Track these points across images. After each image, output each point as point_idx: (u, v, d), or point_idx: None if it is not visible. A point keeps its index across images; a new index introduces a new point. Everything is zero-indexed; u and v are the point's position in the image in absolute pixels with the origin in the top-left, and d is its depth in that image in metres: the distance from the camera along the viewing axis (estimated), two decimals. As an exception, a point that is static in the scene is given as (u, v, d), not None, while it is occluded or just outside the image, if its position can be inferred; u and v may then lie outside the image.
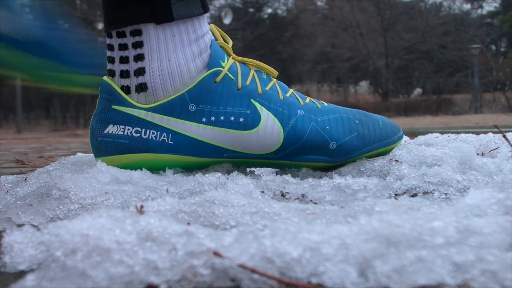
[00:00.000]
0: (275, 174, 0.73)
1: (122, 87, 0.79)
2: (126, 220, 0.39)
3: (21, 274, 0.38)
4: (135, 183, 0.67)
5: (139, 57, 0.78)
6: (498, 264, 0.33)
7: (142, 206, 0.47)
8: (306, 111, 0.80)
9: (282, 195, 0.63)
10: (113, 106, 0.78)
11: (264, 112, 0.78)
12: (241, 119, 0.77)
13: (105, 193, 0.63)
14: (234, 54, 0.83)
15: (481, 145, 0.92)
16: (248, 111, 0.78)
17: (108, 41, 0.81)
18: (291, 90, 0.83)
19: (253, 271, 0.34)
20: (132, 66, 0.78)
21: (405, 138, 0.98)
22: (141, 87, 0.78)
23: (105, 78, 0.80)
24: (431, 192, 0.61)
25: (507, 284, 0.32)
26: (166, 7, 0.77)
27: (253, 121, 0.77)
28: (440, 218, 0.38)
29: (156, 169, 0.77)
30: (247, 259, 0.35)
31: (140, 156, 0.77)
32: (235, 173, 0.74)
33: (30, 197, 0.65)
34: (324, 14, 25.17)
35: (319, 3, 25.53)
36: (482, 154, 0.85)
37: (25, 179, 0.75)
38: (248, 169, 0.79)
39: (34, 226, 0.54)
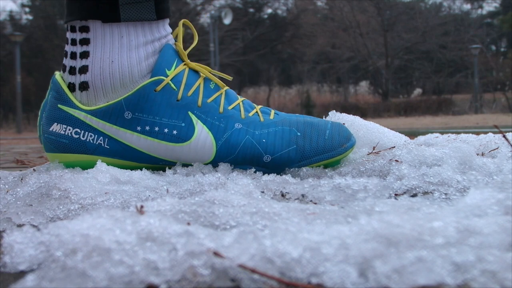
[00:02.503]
0: (275, 174, 0.73)
1: (69, 84, 0.80)
2: (126, 220, 0.39)
3: (21, 274, 0.38)
4: (135, 183, 0.67)
5: (85, 55, 0.79)
6: (498, 264, 0.33)
7: (142, 206, 0.47)
8: (245, 124, 0.80)
9: (282, 195, 0.63)
10: (58, 105, 0.80)
11: (199, 126, 0.78)
12: (175, 132, 0.78)
13: (105, 193, 0.63)
14: (188, 60, 0.82)
15: (481, 145, 0.92)
16: (183, 124, 0.78)
17: (66, 34, 0.82)
18: (238, 101, 0.82)
19: (253, 271, 0.34)
20: (78, 63, 0.80)
21: (405, 138, 0.98)
22: (83, 86, 0.79)
23: (56, 74, 0.82)
24: (431, 192, 0.61)
25: (507, 284, 0.32)
26: (112, 7, 0.77)
27: (186, 134, 0.78)
28: (440, 218, 0.38)
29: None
30: (247, 259, 0.35)
31: (78, 157, 0.80)
32: (235, 173, 0.74)
33: (30, 197, 0.65)
34: (324, 14, 25.17)
35: (319, 3, 25.54)
36: (482, 154, 0.85)
37: (21, 179, 0.75)
38: (248, 169, 0.79)
39: (34, 226, 0.54)
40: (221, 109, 0.80)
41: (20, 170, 0.93)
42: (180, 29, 0.84)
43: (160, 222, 0.39)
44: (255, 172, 0.77)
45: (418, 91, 25.75)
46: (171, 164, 0.80)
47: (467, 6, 25.43)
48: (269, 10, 25.40)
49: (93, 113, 0.78)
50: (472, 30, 22.29)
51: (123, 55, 0.78)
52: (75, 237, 0.37)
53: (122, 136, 0.78)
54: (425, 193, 0.61)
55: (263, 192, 0.63)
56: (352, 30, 22.64)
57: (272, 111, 0.85)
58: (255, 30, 22.56)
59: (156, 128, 0.78)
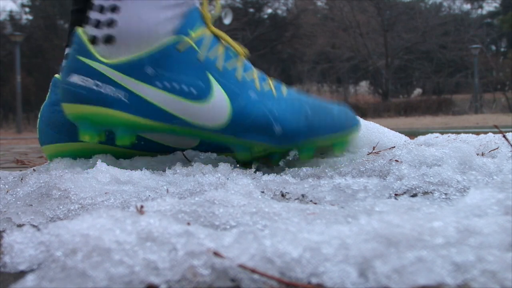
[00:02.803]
0: (275, 174, 0.73)
1: (92, 38, 0.81)
2: (126, 220, 0.39)
3: (21, 274, 0.38)
4: (135, 183, 0.67)
5: (114, 9, 0.80)
6: (498, 264, 0.33)
7: (142, 206, 0.47)
8: (259, 95, 0.82)
9: (282, 195, 0.63)
10: (78, 57, 0.80)
11: (217, 88, 0.80)
12: (193, 90, 0.79)
13: (105, 193, 0.63)
14: (211, 25, 0.84)
15: (481, 145, 0.92)
16: (202, 84, 0.80)
17: None
18: (254, 72, 0.85)
19: (253, 271, 0.34)
20: (107, 16, 0.80)
21: (405, 138, 0.98)
22: (109, 39, 0.80)
23: (78, 28, 0.82)
24: (431, 192, 0.61)
25: (507, 284, 0.32)
26: None
27: (204, 94, 0.79)
28: (440, 218, 0.38)
29: (108, 125, 0.80)
30: (247, 259, 0.35)
31: (95, 109, 0.80)
32: (235, 173, 0.74)
33: (30, 197, 0.65)
34: (324, 14, 25.16)
35: (319, 3, 25.54)
36: (482, 154, 0.85)
37: (21, 179, 0.75)
38: (248, 170, 0.79)
39: (34, 226, 0.54)
40: (239, 76, 0.83)
41: (20, 170, 0.93)
42: None
43: (160, 222, 0.39)
44: (258, 172, 0.77)
45: (418, 91, 25.75)
46: (184, 125, 0.80)
47: (467, 6, 25.44)
48: (269, 10, 25.42)
49: (114, 66, 0.79)
50: (472, 30, 22.30)
51: (152, 13, 0.79)
52: (75, 237, 0.37)
53: (141, 91, 0.79)
54: (425, 193, 0.61)
55: (263, 192, 0.63)
56: (352, 30, 22.64)
57: (284, 87, 0.87)
58: (255, 30, 22.56)
59: (176, 85, 0.79)
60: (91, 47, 0.80)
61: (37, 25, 22.42)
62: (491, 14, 25.27)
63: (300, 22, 23.53)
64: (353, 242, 0.36)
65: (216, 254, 0.35)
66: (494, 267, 0.33)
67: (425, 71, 23.45)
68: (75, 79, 0.80)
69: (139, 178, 0.69)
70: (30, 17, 24.34)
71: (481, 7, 25.30)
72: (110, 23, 0.80)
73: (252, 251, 0.35)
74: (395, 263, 0.34)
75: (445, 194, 0.60)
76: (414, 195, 0.61)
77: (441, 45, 22.53)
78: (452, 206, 0.49)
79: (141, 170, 0.74)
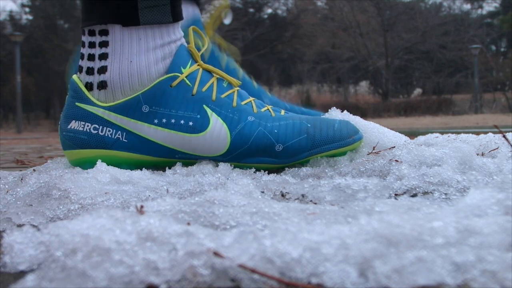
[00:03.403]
0: (275, 174, 0.73)
1: (86, 84, 0.84)
2: (126, 220, 0.39)
3: (21, 274, 0.38)
4: (135, 183, 0.67)
5: (104, 56, 0.82)
6: (498, 264, 0.33)
7: (142, 206, 0.47)
8: (257, 117, 0.84)
9: (282, 195, 0.63)
10: (76, 103, 0.83)
11: (213, 117, 0.82)
12: (191, 123, 0.81)
13: (105, 193, 0.62)
14: (201, 61, 0.86)
15: (481, 145, 0.92)
16: (199, 116, 0.82)
17: (82, 37, 0.85)
18: (250, 99, 0.86)
19: (253, 271, 0.34)
20: (97, 64, 0.83)
21: (405, 138, 0.98)
22: (102, 85, 0.82)
23: (74, 75, 0.85)
24: (431, 192, 0.61)
25: (507, 284, 0.32)
26: (132, 11, 0.80)
27: (202, 125, 0.81)
28: (440, 218, 0.38)
29: (111, 165, 0.80)
30: (247, 259, 0.35)
31: (96, 152, 0.82)
32: (235, 173, 0.74)
33: (30, 197, 0.65)
34: (324, 14, 25.16)
35: (319, 3, 25.54)
36: (482, 154, 0.85)
37: (21, 179, 0.75)
38: (248, 170, 0.79)
39: (34, 226, 0.54)
40: (234, 103, 0.84)
41: (20, 170, 0.93)
42: (190, 34, 0.87)
43: (160, 222, 0.39)
44: (258, 172, 0.77)
45: (418, 91, 25.75)
46: (186, 158, 0.82)
47: (467, 6, 25.45)
48: (269, 10, 25.42)
49: (111, 108, 0.81)
50: (472, 30, 22.29)
51: (141, 56, 0.82)
52: (75, 237, 0.37)
53: (139, 129, 0.81)
54: (425, 193, 0.61)
55: (263, 192, 0.63)
56: (352, 30, 22.65)
57: (283, 110, 0.89)
58: (255, 30, 22.56)
59: (173, 120, 0.81)
60: (87, 93, 0.83)
61: (37, 25, 22.42)
62: (491, 14, 25.28)
63: (300, 22, 23.53)
64: (353, 242, 0.36)
65: (216, 254, 0.35)
66: (494, 267, 0.33)
67: (425, 71, 23.45)
68: (74, 125, 0.83)
69: (139, 178, 0.69)
70: (30, 17, 24.34)
71: (481, 7, 25.31)
72: (101, 70, 0.82)
73: (252, 251, 0.35)
74: (395, 263, 0.34)
75: (445, 194, 0.60)
76: (414, 195, 0.61)
77: (441, 45, 22.52)
78: (452, 206, 0.49)
79: (141, 170, 0.74)
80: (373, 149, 0.88)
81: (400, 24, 22.42)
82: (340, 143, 0.83)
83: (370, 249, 0.35)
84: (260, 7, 24.67)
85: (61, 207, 0.60)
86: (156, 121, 0.81)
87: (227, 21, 1.31)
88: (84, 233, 0.37)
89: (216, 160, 0.82)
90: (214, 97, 0.83)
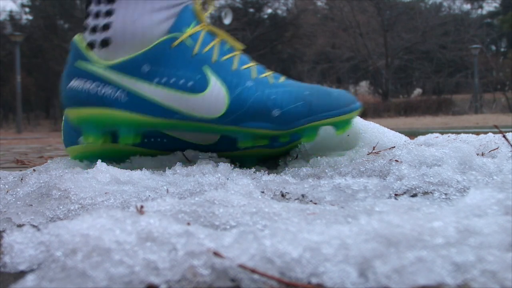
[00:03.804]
0: (275, 174, 0.73)
1: (88, 43, 0.84)
2: (126, 220, 0.39)
3: (21, 274, 0.38)
4: (135, 183, 0.67)
5: (109, 13, 0.83)
6: (498, 264, 0.33)
7: (142, 206, 0.47)
8: (256, 83, 0.83)
9: (282, 195, 0.63)
10: (77, 62, 0.83)
11: (213, 79, 0.82)
12: (190, 83, 0.81)
13: (105, 193, 0.62)
14: (206, 22, 0.86)
15: (481, 145, 0.92)
16: (198, 76, 0.81)
17: None
18: (251, 64, 0.86)
19: (253, 271, 0.34)
20: (102, 21, 0.83)
21: (405, 138, 0.98)
22: (105, 42, 0.82)
23: (76, 35, 0.86)
24: (431, 192, 0.61)
25: (507, 284, 0.32)
26: None
27: (201, 86, 0.81)
28: (440, 218, 0.38)
29: (109, 125, 0.81)
30: (247, 259, 0.35)
31: (95, 110, 0.82)
32: (235, 173, 0.74)
33: (30, 197, 0.65)
34: (324, 14, 25.16)
35: (319, 3, 25.53)
36: (482, 154, 0.85)
37: (21, 179, 0.75)
38: (248, 170, 0.79)
39: (34, 226, 0.54)
40: (234, 67, 0.84)
41: (20, 170, 0.93)
42: None
43: (160, 222, 0.39)
44: (258, 172, 0.77)
45: (418, 91, 25.75)
46: (184, 119, 0.82)
47: (467, 6, 25.44)
48: (269, 10, 25.41)
49: (112, 67, 0.81)
50: (472, 30, 22.29)
51: (146, 15, 0.82)
52: (75, 237, 0.37)
53: (139, 88, 0.81)
54: (425, 193, 0.61)
55: (263, 192, 0.63)
56: (352, 30, 22.64)
57: (283, 77, 0.88)
58: (255, 30, 22.55)
59: (172, 80, 0.81)
60: (87, 51, 0.82)
61: (37, 25, 22.41)
62: (491, 14, 25.27)
63: (300, 22, 23.52)
64: (353, 242, 0.36)
65: (216, 254, 0.35)
66: (494, 267, 0.33)
67: (425, 71, 23.44)
68: (75, 83, 0.82)
69: (139, 178, 0.69)
70: (30, 17, 24.34)
71: (481, 7, 25.30)
72: (106, 27, 0.82)
73: (252, 251, 0.35)
74: (395, 263, 0.34)
75: (445, 194, 0.60)
76: (414, 195, 0.61)
77: (441, 45, 22.51)
78: (452, 206, 0.49)
79: (141, 170, 0.74)
80: (373, 149, 0.89)
81: (400, 24, 22.41)
82: (337, 111, 0.83)
83: (370, 249, 0.35)
84: (260, 7, 24.66)
85: (61, 207, 0.60)
86: (156, 80, 0.81)
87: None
88: (84, 233, 0.37)
89: (212, 123, 0.82)
90: (214, 59, 0.83)
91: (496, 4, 25.40)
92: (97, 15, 0.83)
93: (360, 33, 22.39)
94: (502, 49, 25.16)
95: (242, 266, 0.34)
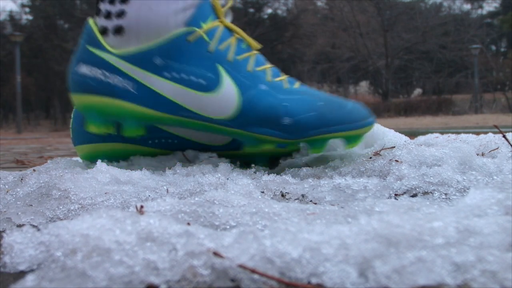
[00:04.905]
0: (275, 174, 0.73)
1: (101, 28, 0.81)
2: (126, 221, 0.39)
3: (21, 274, 0.38)
4: (135, 183, 0.67)
5: (124, 0, 0.79)
6: (498, 264, 0.33)
7: (142, 206, 0.47)
8: (270, 87, 0.81)
9: (282, 195, 0.63)
10: (88, 47, 0.80)
11: (226, 79, 0.79)
12: (202, 81, 0.78)
13: (105, 193, 0.62)
14: (223, 18, 0.83)
15: (481, 145, 0.92)
16: (211, 75, 0.79)
17: None
18: (266, 66, 0.83)
19: (253, 271, 0.34)
20: (117, 7, 0.80)
21: (405, 138, 0.98)
22: (118, 30, 0.79)
23: (90, 19, 0.82)
24: (431, 192, 0.61)
25: (507, 284, 0.32)
26: None
27: (213, 84, 0.79)
28: (440, 218, 0.38)
29: (115, 115, 0.79)
30: (247, 259, 0.35)
31: (101, 99, 0.79)
32: (235, 173, 0.74)
33: (30, 197, 0.65)
34: (324, 15, 25.16)
35: (319, 3, 25.53)
36: (482, 154, 0.85)
37: (21, 179, 0.75)
38: (248, 170, 0.79)
39: (34, 226, 0.54)
40: (249, 68, 0.81)
41: (20, 170, 0.93)
42: None
43: (160, 222, 0.39)
44: (258, 172, 0.77)
45: (418, 91, 25.75)
46: (191, 117, 0.80)
47: (467, 6, 25.45)
48: (269, 10, 25.42)
49: (123, 57, 0.79)
50: (472, 30, 22.28)
51: (162, 4, 0.79)
52: (75, 237, 0.37)
53: (150, 81, 0.78)
54: (425, 193, 0.61)
55: (263, 192, 0.63)
56: (352, 30, 22.64)
57: (298, 82, 0.86)
58: (255, 30, 22.55)
59: (184, 76, 0.78)
60: (100, 38, 0.80)
61: (37, 25, 22.42)
62: (491, 14, 25.27)
63: (300, 22, 23.53)
64: (353, 242, 0.36)
65: (216, 254, 0.35)
66: (494, 267, 0.33)
67: (425, 71, 23.44)
68: (84, 69, 0.80)
69: (139, 178, 0.69)
70: (30, 17, 24.34)
71: (481, 7, 25.30)
72: (120, 14, 0.79)
73: (252, 251, 0.35)
74: (395, 263, 0.34)
75: (445, 194, 0.60)
76: (414, 195, 0.61)
77: (441, 45, 22.52)
78: (452, 206, 0.49)
79: (141, 170, 0.74)
80: (373, 149, 0.88)
81: (400, 24, 22.41)
82: (350, 125, 0.80)
83: (370, 249, 0.35)
84: (260, 7, 24.67)
85: (61, 207, 0.60)
86: (168, 74, 0.78)
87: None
88: (84, 233, 0.37)
89: (221, 124, 0.79)
90: (230, 57, 0.80)
91: (496, 4, 25.42)
92: (112, 1, 0.80)
93: (360, 33, 22.38)
94: (502, 49, 25.18)
95: (242, 266, 0.34)
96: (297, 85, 0.84)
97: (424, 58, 23.22)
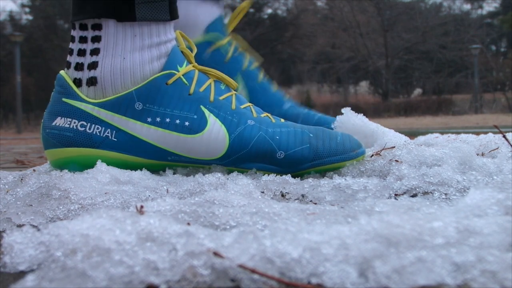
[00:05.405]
0: (275, 175, 0.73)
1: (74, 80, 0.80)
2: (126, 221, 0.39)
3: (21, 274, 0.38)
4: (135, 184, 0.67)
5: (95, 51, 0.79)
6: (498, 264, 0.33)
7: (142, 207, 0.47)
8: (257, 121, 0.79)
9: (282, 195, 0.63)
10: (63, 99, 0.79)
11: (211, 119, 0.78)
12: (187, 123, 0.77)
13: (105, 193, 0.63)
14: (195, 63, 0.83)
15: (481, 145, 0.92)
16: (195, 116, 0.77)
17: (72, 32, 0.82)
18: (248, 104, 0.83)
19: (253, 271, 0.34)
20: (87, 59, 0.79)
21: (405, 138, 0.98)
22: (92, 81, 0.79)
23: (61, 71, 0.81)
24: (431, 192, 0.61)
25: (507, 284, 0.32)
26: (128, 6, 0.77)
27: (198, 125, 0.77)
28: (440, 218, 0.38)
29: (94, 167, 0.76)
30: (247, 259, 0.35)
31: (82, 151, 0.78)
32: (235, 173, 0.74)
33: (30, 197, 0.65)
34: (324, 15, 25.16)
35: (319, 3, 25.54)
36: (482, 154, 0.85)
37: (21, 179, 0.75)
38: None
39: (34, 226, 0.54)
40: (233, 106, 0.80)
41: (20, 170, 0.93)
42: (179, 37, 0.84)
43: (160, 222, 0.39)
44: (258, 174, 0.77)
45: (418, 91, 25.75)
46: (179, 161, 0.78)
47: (467, 6, 25.45)
48: (269, 10, 25.42)
49: (101, 105, 0.77)
50: (472, 30, 22.28)
51: (135, 53, 0.78)
52: (75, 237, 0.37)
53: (131, 128, 0.77)
54: (425, 193, 0.61)
55: (263, 192, 0.63)
56: (352, 30, 22.64)
57: (282, 119, 0.85)
58: (255, 30, 22.55)
59: (168, 119, 0.77)
60: (75, 88, 0.79)
61: (37, 25, 22.42)
62: (491, 14, 25.27)
63: (300, 22, 23.53)
64: (353, 242, 0.36)
65: (216, 254, 0.35)
66: (494, 267, 0.33)
67: (425, 71, 23.44)
68: (60, 122, 0.78)
69: (139, 178, 0.69)
70: (30, 17, 24.34)
71: (481, 7, 25.30)
72: (92, 66, 0.79)
73: (252, 251, 0.35)
74: (395, 263, 0.34)
75: (445, 194, 0.60)
76: (414, 195, 0.61)
77: (441, 45, 22.52)
78: (452, 206, 0.49)
79: (141, 170, 0.74)
80: (373, 149, 0.88)
81: (400, 24, 22.42)
82: (342, 156, 0.78)
83: (370, 249, 0.35)
84: (260, 7, 24.67)
85: (61, 207, 0.60)
86: (149, 119, 0.77)
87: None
88: (84, 233, 0.37)
89: (211, 164, 0.78)
90: (212, 98, 0.79)
91: (496, 4, 25.41)
92: (81, 53, 0.80)
93: (360, 33, 22.39)
94: (502, 49, 25.18)
95: (242, 266, 0.34)
96: (282, 120, 0.84)
97: (424, 58, 23.22)
